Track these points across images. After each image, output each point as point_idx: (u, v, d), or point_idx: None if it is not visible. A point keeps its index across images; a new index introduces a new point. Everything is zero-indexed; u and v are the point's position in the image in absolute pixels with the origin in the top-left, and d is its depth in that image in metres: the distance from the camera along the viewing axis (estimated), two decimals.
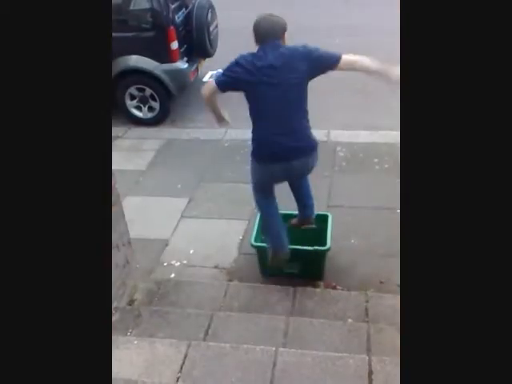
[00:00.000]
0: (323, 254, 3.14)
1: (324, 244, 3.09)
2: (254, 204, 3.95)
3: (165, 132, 5.48)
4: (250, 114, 2.68)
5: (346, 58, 2.59)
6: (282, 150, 2.62)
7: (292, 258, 3.13)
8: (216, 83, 2.67)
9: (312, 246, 3.09)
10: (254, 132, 2.72)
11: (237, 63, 2.57)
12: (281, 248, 2.96)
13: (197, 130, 5.43)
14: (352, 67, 2.65)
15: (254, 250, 3.35)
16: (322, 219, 3.29)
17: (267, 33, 2.54)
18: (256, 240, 3.18)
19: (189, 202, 4.19)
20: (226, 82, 2.63)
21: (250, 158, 2.83)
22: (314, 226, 3.24)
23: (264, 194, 2.96)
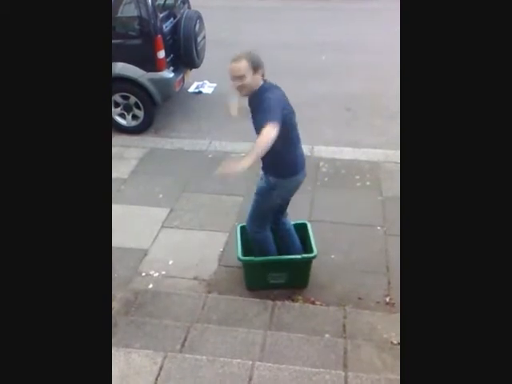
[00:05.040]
0: (310, 261, 3.18)
1: (307, 251, 3.16)
2: (235, 217, 3.99)
3: (148, 141, 5.45)
4: (287, 139, 2.73)
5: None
6: (304, 160, 2.98)
7: (279, 268, 3.15)
8: (277, 124, 2.54)
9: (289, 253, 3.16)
10: (291, 153, 2.84)
11: (279, 99, 2.64)
12: None
13: (181, 140, 5.41)
14: None
15: (234, 263, 3.34)
16: (301, 228, 3.34)
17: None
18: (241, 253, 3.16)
19: (170, 211, 4.16)
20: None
21: (271, 184, 2.89)
22: None
23: (266, 224, 3.11)
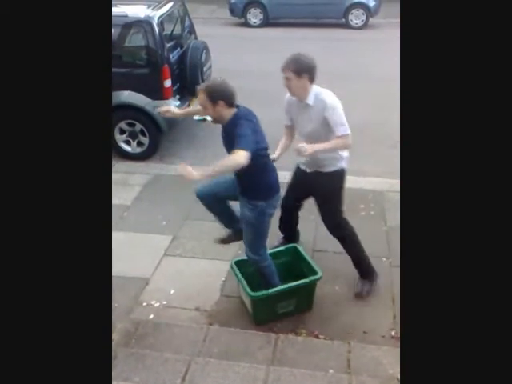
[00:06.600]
0: (315, 283, 3.20)
1: (309, 274, 3.17)
2: (237, 245, 3.95)
3: (152, 167, 5.47)
4: (265, 166, 2.89)
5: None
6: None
7: (288, 296, 3.12)
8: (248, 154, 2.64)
9: (286, 280, 3.15)
10: (270, 176, 2.94)
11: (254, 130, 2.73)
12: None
13: None
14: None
15: (236, 293, 3.30)
16: (291, 252, 3.40)
17: None
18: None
19: (173, 239, 4.13)
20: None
21: (261, 207, 2.90)
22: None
23: (265, 249, 3.12)
